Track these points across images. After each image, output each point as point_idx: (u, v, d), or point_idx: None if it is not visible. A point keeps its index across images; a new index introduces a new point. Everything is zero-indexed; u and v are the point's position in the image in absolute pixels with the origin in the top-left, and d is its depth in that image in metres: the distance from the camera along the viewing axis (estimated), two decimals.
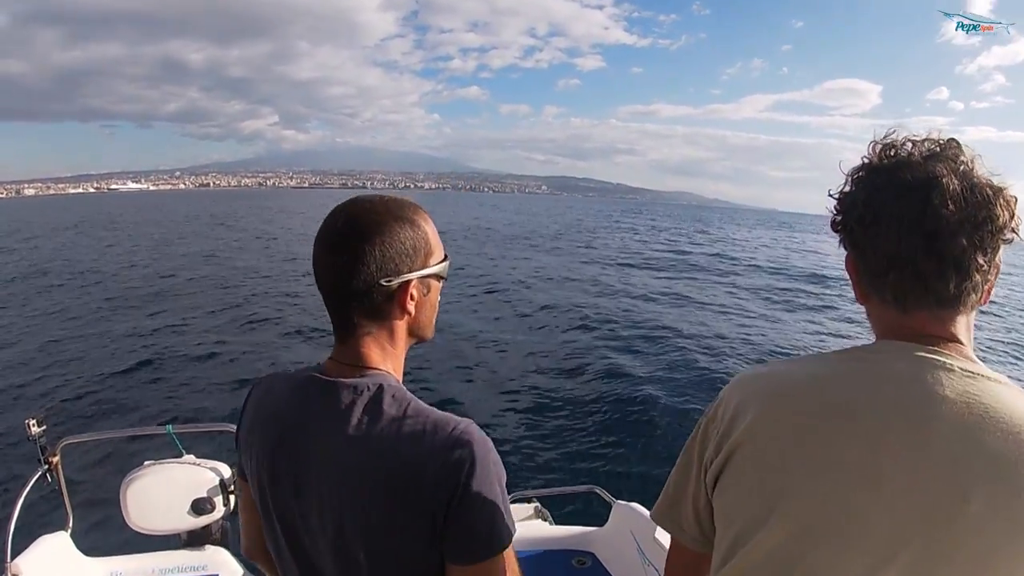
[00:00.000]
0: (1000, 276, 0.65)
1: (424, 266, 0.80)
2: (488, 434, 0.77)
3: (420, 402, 0.78)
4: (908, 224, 0.61)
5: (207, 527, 2.06)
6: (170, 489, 1.94)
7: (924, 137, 0.66)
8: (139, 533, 1.93)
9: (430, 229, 0.83)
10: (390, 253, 0.76)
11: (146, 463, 1.98)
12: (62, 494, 1.96)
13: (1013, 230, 0.63)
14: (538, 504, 2.21)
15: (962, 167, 0.63)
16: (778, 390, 0.66)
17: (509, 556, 0.76)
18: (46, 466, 1.86)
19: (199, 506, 1.95)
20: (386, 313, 0.79)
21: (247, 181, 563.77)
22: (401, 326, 0.82)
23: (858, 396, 0.61)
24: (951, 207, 0.60)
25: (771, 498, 0.62)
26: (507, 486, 0.79)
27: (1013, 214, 0.63)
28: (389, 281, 0.76)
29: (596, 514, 2.33)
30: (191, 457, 2.04)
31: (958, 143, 0.65)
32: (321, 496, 0.76)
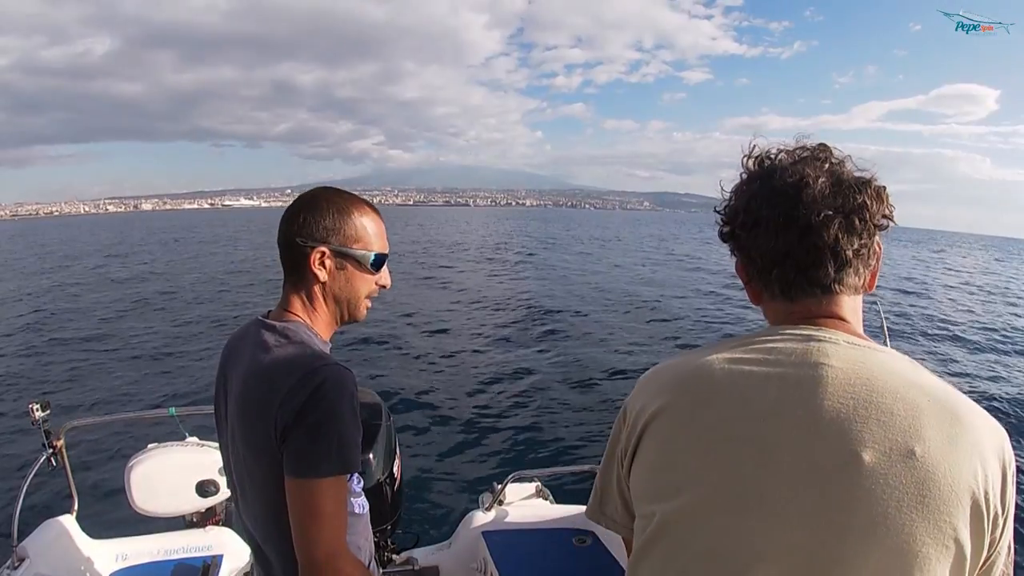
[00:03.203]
0: None
1: (343, 245, 0.98)
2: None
3: (312, 345, 0.94)
4: (784, 222, 0.67)
5: (212, 508, 2.07)
6: (174, 471, 1.95)
7: (796, 145, 0.72)
8: (144, 515, 1.94)
9: (364, 223, 1.00)
10: (311, 221, 0.96)
11: (150, 446, 1.98)
12: (67, 477, 1.96)
13: (885, 216, 0.69)
14: (539, 484, 2.23)
15: (829, 166, 0.69)
16: (676, 378, 0.70)
17: (331, 487, 0.85)
18: (51, 450, 1.85)
19: (203, 488, 1.96)
20: (303, 271, 0.98)
21: None
22: (318, 290, 0.99)
23: (749, 376, 0.65)
24: (820, 201, 0.66)
25: (669, 473, 0.67)
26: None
27: (883, 201, 0.68)
28: (304, 242, 0.96)
29: None
30: (194, 439, 2.05)
31: (827, 147, 0.71)
32: (230, 406, 0.96)
